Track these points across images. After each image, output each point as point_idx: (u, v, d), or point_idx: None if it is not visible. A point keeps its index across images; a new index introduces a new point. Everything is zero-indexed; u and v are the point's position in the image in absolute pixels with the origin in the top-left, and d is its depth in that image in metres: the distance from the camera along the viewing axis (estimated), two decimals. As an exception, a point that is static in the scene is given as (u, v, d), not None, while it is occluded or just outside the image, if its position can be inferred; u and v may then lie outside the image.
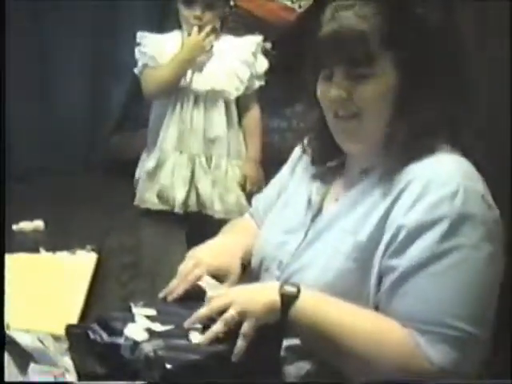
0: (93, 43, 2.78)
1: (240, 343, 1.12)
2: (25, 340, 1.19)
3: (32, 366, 1.15)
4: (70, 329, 1.22)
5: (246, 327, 1.13)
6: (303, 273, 1.28)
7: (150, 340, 1.13)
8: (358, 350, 1.14)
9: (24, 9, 2.67)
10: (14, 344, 1.18)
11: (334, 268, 1.23)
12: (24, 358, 1.17)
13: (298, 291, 1.16)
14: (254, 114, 2.37)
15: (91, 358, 1.17)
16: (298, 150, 1.53)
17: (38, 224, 2.09)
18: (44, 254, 1.83)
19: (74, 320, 1.43)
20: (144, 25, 2.49)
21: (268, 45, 2.51)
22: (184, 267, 1.40)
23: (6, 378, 1.12)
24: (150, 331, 1.16)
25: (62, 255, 1.82)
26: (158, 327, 1.18)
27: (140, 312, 1.22)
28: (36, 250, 1.85)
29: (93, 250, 1.83)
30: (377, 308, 1.20)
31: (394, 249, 1.17)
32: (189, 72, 2.29)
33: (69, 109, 2.84)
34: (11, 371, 1.14)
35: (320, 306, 1.18)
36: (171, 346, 1.13)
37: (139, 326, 1.18)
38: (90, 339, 1.17)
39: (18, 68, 2.68)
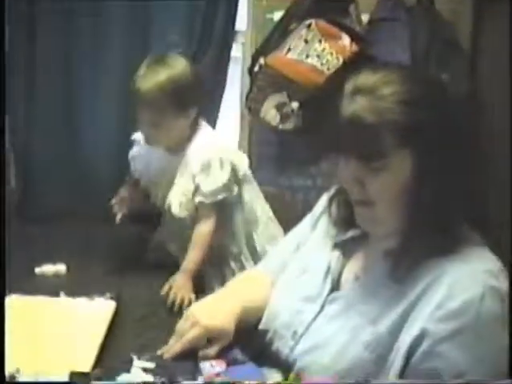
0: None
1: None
2: None
3: None
4: (73, 376, 1.30)
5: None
6: (317, 353, 1.28)
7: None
8: None
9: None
10: None
11: (350, 356, 1.22)
12: None
13: None
14: (204, 228, 2.14)
15: None
16: (321, 204, 1.51)
17: (60, 268, 2.12)
18: (63, 299, 1.85)
19: (87, 366, 1.45)
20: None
21: (295, 104, 2.54)
22: (181, 327, 1.44)
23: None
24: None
25: (81, 301, 1.84)
26: (149, 379, 1.27)
27: (139, 364, 1.32)
28: (56, 294, 1.88)
29: (111, 298, 1.85)
30: None
31: (418, 355, 1.15)
32: None
33: (96, 150, 2.83)
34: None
35: None
36: None
37: (132, 377, 1.27)
38: None
39: (44, 104, 2.73)
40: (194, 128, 2.16)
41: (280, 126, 2.60)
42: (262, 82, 2.61)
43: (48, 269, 2.11)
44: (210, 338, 1.43)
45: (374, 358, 1.20)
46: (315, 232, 1.50)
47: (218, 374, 1.37)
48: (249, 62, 2.70)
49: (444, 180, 1.19)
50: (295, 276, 1.47)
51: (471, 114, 2.15)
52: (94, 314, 1.76)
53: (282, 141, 2.82)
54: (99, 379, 1.27)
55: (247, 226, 2.23)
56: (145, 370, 1.35)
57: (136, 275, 2.13)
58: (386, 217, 1.23)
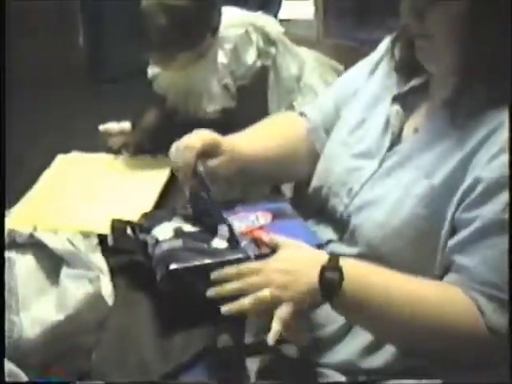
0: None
1: (275, 327, 1.05)
2: (54, 242, 1.14)
3: (65, 270, 1.11)
4: (113, 223, 1.28)
5: (282, 312, 1.06)
6: (371, 210, 1.22)
7: (170, 240, 1.18)
8: (416, 326, 1.08)
9: None
10: (42, 247, 1.14)
11: (404, 211, 1.16)
12: (54, 261, 1.13)
13: (341, 278, 1.06)
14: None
15: (126, 252, 1.27)
16: (381, 49, 1.43)
17: (125, 126, 2.07)
18: (124, 156, 1.84)
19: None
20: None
21: None
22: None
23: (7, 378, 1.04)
24: (177, 231, 1.21)
25: (143, 158, 1.82)
26: (188, 228, 1.22)
27: (181, 212, 1.28)
28: (119, 152, 1.86)
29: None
30: (445, 261, 1.13)
31: (469, 202, 1.10)
32: None
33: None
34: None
35: (366, 287, 1.09)
36: (189, 248, 1.16)
37: (170, 226, 1.22)
38: (127, 235, 1.24)
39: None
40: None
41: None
42: None
43: (112, 126, 2.06)
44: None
45: (428, 214, 1.14)
46: (372, 80, 1.40)
47: (261, 227, 1.27)
48: None
49: (503, 25, 1.10)
50: (350, 129, 1.37)
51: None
52: (153, 171, 1.73)
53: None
54: (142, 229, 1.24)
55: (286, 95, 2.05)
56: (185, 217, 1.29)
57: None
58: (445, 50, 1.15)
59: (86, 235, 1.23)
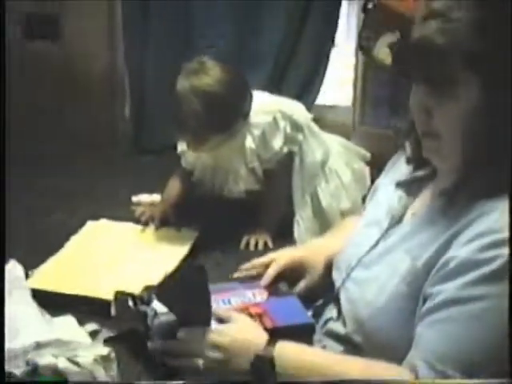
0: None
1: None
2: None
3: None
4: (117, 295, 1.39)
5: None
6: (363, 288, 1.28)
7: (168, 313, 1.28)
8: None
9: None
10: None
11: (389, 290, 1.22)
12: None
13: (272, 368, 1.18)
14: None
15: (128, 321, 1.37)
16: (395, 157, 1.49)
17: (156, 198, 2.16)
18: (150, 227, 1.93)
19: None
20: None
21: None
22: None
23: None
24: None
25: (167, 230, 1.91)
26: None
27: None
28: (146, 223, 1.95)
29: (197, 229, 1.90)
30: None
31: (438, 277, 1.14)
32: None
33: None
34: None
35: (299, 372, 1.19)
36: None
37: None
38: (128, 306, 1.34)
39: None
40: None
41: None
42: (374, 21, 2.53)
43: (144, 198, 2.17)
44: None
45: (410, 292, 1.19)
46: (387, 177, 1.48)
47: (256, 304, 1.38)
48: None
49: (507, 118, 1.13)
50: (365, 213, 1.48)
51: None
52: (174, 245, 1.82)
53: (396, 80, 2.73)
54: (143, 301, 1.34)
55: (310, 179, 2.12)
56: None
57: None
58: (452, 151, 1.19)
59: (81, 324, 1.37)
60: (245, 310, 1.37)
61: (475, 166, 1.18)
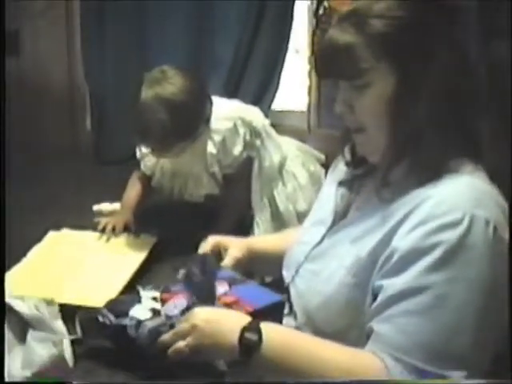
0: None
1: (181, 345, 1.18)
2: (22, 308, 1.28)
3: (31, 333, 1.25)
4: (80, 315, 1.36)
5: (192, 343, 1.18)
6: (311, 280, 1.32)
7: (152, 318, 1.27)
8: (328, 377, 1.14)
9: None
10: (13, 312, 1.28)
11: (336, 281, 1.25)
12: (22, 325, 1.27)
13: (260, 340, 1.14)
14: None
15: (101, 340, 1.33)
16: (336, 159, 1.52)
17: (117, 206, 2.19)
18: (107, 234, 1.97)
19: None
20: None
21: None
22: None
23: (6, 378, 1.20)
24: (153, 311, 1.29)
25: (125, 236, 1.96)
26: (158, 306, 1.31)
27: (147, 294, 1.35)
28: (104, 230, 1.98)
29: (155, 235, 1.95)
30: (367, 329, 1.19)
31: (385, 270, 1.17)
32: None
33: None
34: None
35: (284, 351, 1.16)
36: (171, 323, 1.25)
37: (144, 307, 1.31)
38: (100, 322, 1.31)
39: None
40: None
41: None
42: (326, 25, 2.60)
43: (105, 207, 2.21)
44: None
45: (356, 283, 1.22)
46: (328, 180, 1.53)
47: (225, 294, 1.36)
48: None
49: (431, 104, 1.18)
50: (309, 219, 1.52)
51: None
52: (132, 251, 1.88)
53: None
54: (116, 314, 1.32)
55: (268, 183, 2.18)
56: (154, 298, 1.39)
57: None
58: (379, 141, 1.23)
59: (49, 303, 1.35)
60: (218, 301, 1.34)
61: (402, 155, 1.22)
